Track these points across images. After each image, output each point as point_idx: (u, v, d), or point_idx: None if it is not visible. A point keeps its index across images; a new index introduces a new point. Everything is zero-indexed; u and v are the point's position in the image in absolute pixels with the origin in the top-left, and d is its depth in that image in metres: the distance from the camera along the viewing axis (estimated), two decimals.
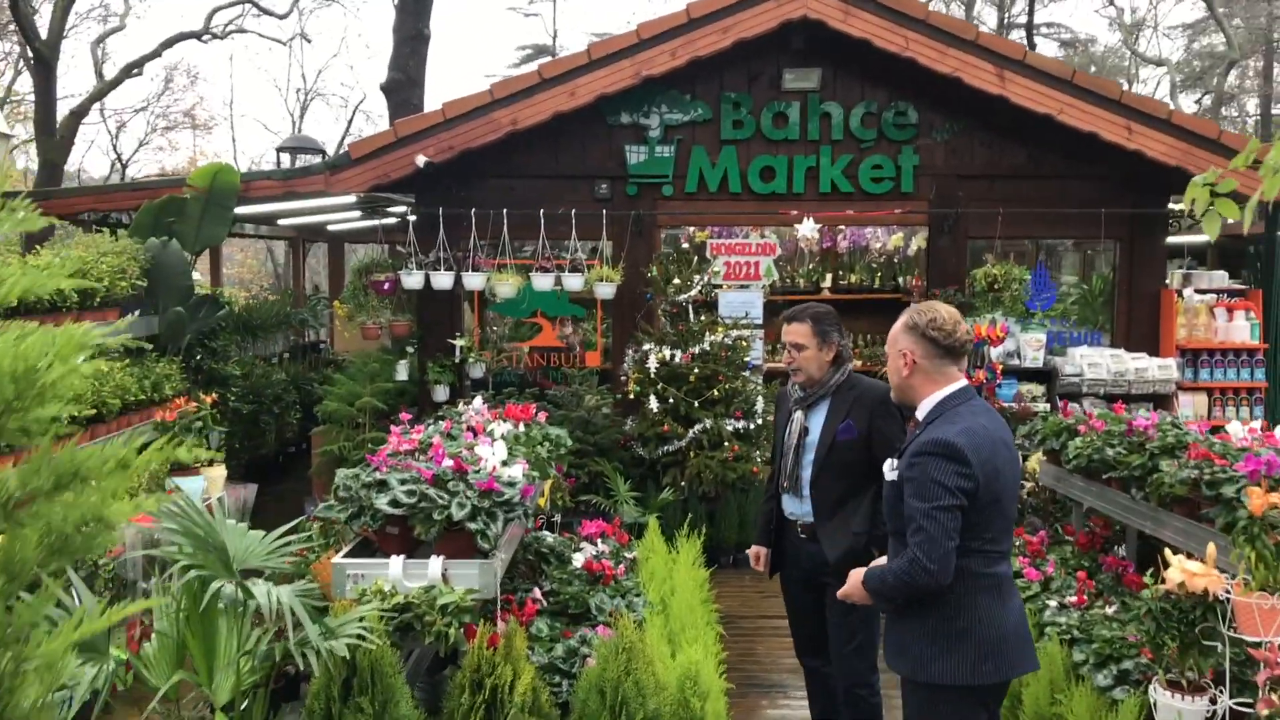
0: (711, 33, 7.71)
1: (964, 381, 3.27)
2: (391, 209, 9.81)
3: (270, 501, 10.01)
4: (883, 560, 3.38)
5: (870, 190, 8.33)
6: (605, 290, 8.02)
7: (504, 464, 4.10)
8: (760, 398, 7.87)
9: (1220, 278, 8.74)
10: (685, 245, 10.56)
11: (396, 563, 3.69)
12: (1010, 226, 8.32)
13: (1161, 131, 7.70)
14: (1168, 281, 8.82)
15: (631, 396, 7.91)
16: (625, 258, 8.29)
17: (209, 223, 7.71)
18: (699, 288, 7.88)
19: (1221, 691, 3.63)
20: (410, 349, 8.58)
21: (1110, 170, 8.23)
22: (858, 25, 7.67)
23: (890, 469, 3.25)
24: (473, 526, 3.63)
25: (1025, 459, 6.83)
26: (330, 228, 12.47)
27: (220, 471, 6.85)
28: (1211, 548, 3.64)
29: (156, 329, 7.31)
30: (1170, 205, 8.65)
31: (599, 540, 5.62)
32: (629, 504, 7.11)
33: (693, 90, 8.32)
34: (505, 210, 8.08)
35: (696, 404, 7.62)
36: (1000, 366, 8.02)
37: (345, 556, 3.93)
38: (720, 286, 8.48)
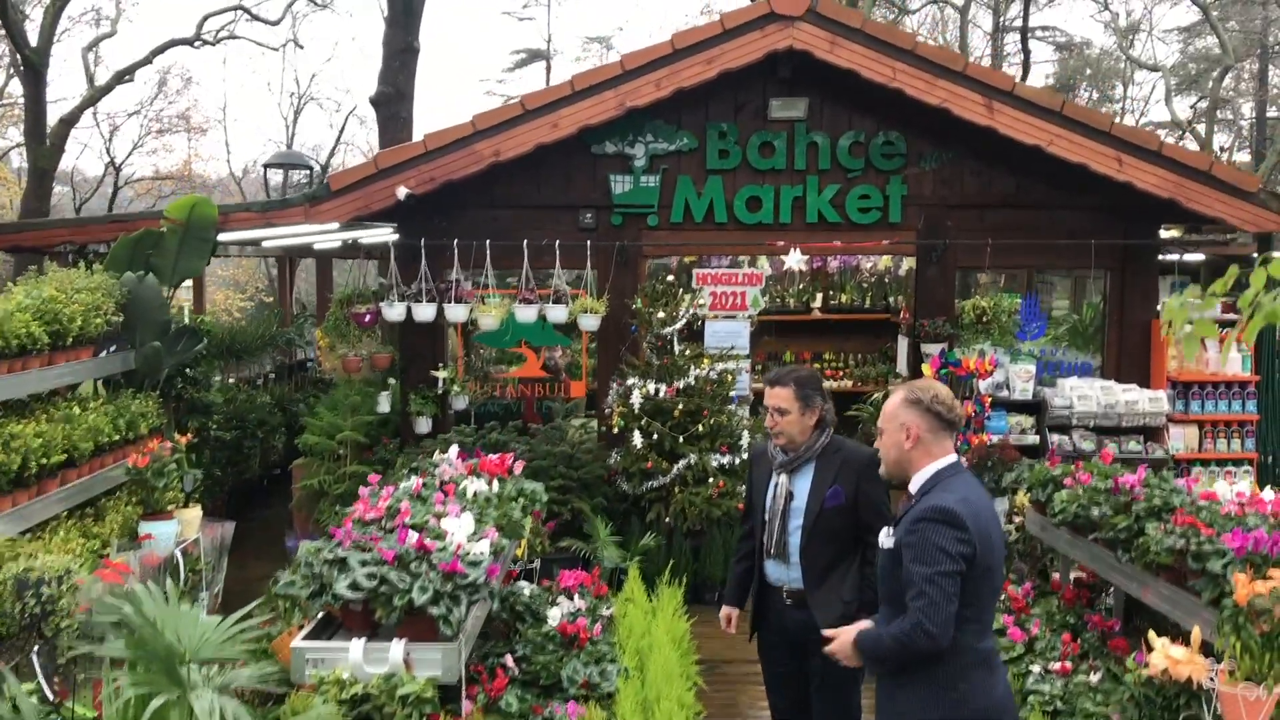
0: (696, 63, 7.60)
1: (955, 455, 3.36)
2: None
3: (255, 528, 9.91)
4: (867, 623, 3.40)
5: (858, 220, 8.22)
6: (589, 322, 7.92)
7: (471, 536, 4.00)
8: (746, 432, 7.77)
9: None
10: (672, 269, 10.48)
11: (357, 647, 3.59)
12: (999, 256, 8.21)
13: (1152, 163, 7.59)
14: (1159, 309, 8.72)
15: (615, 430, 7.81)
16: (610, 288, 8.18)
17: (187, 255, 7.58)
18: (684, 320, 7.78)
19: None
20: (392, 380, 8.47)
21: (1101, 200, 8.12)
22: (844, 56, 7.56)
23: (887, 536, 3.30)
24: (435, 612, 3.53)
25: (1013, 493, 6.74)
26: (316, 246, 12.35)
27: (195, 513, 6.74)
28: (1196, 633, 3.55)
29: (133, 364, 7.20)
30: (1162, 234, 8.55)
31: (576, 593, 5.51)
32: (610, 548, 7.01)
33: (678, 119, 8.20)
34: (488, 240, 7.98)
35: (681, 439, 7.52)
36: (989, 399, 7.92)
37: (307, 635, 3.82)
38: (706, 316, 8.38)
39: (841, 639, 3.37)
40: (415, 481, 4.81)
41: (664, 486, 7.54)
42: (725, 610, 4.47)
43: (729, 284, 8.38)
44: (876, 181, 8.23)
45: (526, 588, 5.53)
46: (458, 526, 3.99)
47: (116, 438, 6.50)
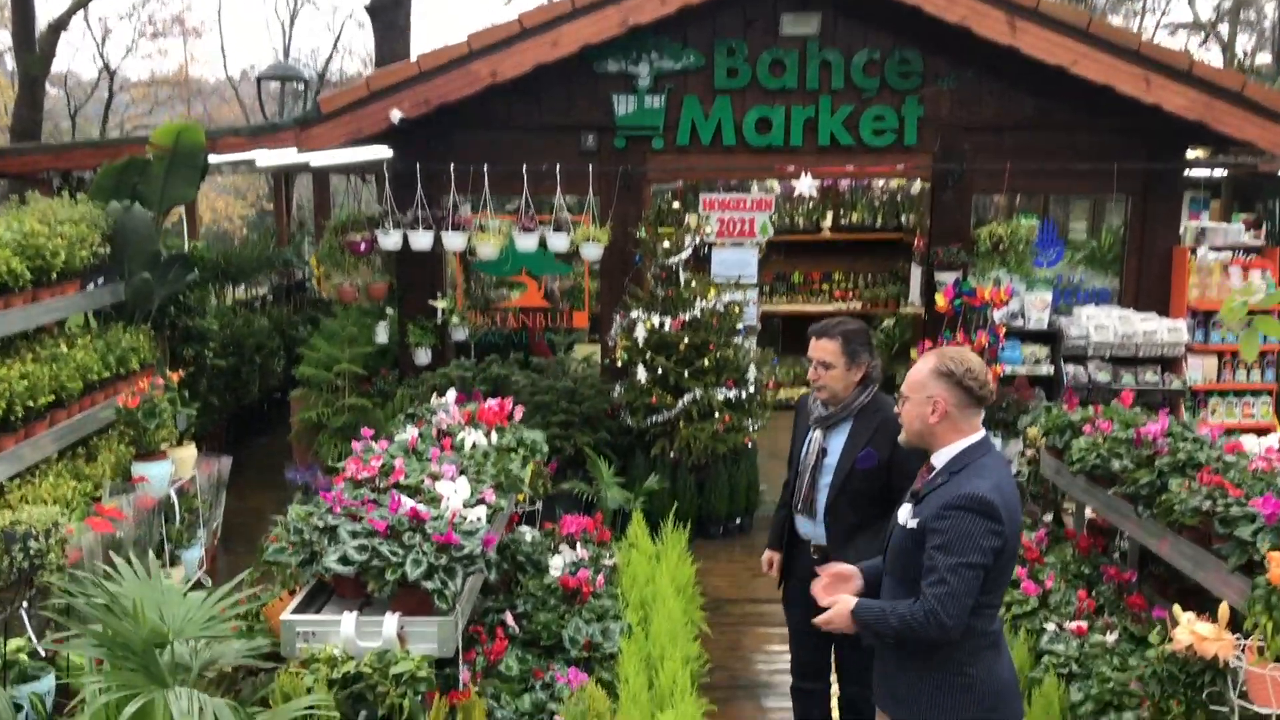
0: None
1: (984, 432, 3.17)
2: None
3: (255, 456, 9.79)
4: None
5: (871, 143, 7.89)
6: (592, 251, 7.66)
7: (468, 501, 3.83)
8: (753, 365, 7.58)
9: (1237, 232, 8.35)
10: (679, 194, 10.16)
11: (349, 621, 3.44)
12: (1018, 180, 7.91)
13: (1182, 83, 7.24)
14: (1181, 233, 8.44)
15: (619, 364, 7.62)
16: (614, 214, 7.90)
17: (175, 183, 7.31)
18: (690, 250, 7.52)
19: None
20: (390, 309, 8.25)
21: (1124, 122, 7.77)
22: None
23: (909, 516, 3.13)
24: (429, 586, 3.37)
25: (1027, 428, 6.58)
26: (313, 164, 12.00)
27: (190, 452, 6.60)
28: (1224, 609, 3.40)
29: (123, 296, 7.00)
30: (1188, 154, 8.23)
31: (579, 541, 5.38)
32: (613, 489, 6.86)
33: (684, 36, 7.82)
34: (486, 165, 7.68)
35: (686, 373, 7.33)
36: (1003, 329, 7.70)
37: (299, 604, 3.68)
38: (714, 243, 8.11)
39: (839, 608, 3.18)
40: (411, 434, 4.63)
41: (669, 421, 7.38)
42: (768, 554, 4.37)
43: (737, 209, 8.10)
44: (891, 102, 7.88)
45: (528, 533, 5.41)
46: (453, 491, 3.82)
47: (107, 375, 6.33)
